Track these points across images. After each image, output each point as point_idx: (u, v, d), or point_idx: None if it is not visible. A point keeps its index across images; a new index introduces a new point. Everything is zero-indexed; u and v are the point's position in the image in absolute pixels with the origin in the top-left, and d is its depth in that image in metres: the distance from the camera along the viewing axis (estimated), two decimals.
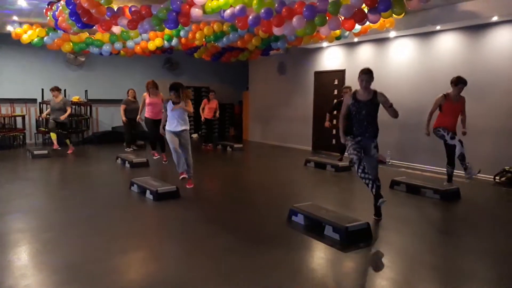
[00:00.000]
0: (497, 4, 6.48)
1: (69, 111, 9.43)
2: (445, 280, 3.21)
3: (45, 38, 8.37)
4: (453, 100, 5.92)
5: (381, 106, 4.60)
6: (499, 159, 6.94)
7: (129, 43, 8.50)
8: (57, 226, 4.39)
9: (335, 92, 10.14)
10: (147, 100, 8.16)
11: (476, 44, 7.30)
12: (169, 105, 5.92)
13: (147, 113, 8.17)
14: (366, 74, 4.51)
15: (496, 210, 5.38)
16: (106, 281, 3.10)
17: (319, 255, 3.71)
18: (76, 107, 11.75)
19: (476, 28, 7.23)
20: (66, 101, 9.66)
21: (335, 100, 9.01)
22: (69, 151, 9.56)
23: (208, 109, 10.51)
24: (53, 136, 9.42)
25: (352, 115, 4.64)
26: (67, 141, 9.62)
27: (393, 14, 5.41)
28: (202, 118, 10.72)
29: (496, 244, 4.02)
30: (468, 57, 7.42)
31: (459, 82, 5.86)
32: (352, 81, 9.78)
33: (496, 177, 6.83)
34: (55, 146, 9.43)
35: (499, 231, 4.43)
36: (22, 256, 3.56)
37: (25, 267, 3.32)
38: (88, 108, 11.97)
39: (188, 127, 6.05)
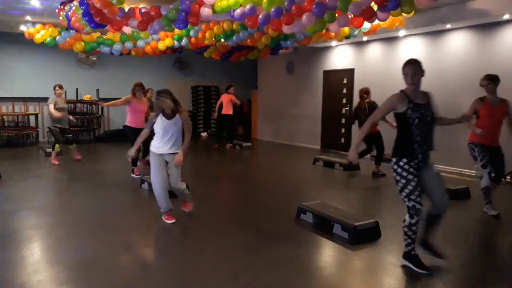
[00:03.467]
0: (508, 2, 6.39)
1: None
2: (455, 279, 3.20)
3: (57, 38, 8.49)
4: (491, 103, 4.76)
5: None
6: (509, 158, 6.84)
7: (140, 43, 8.59)
8: (69, 223, 4.47)
9: (344, 91, 10.10)
10: (133, 106, 6.79)
11: (487, 42, 7.22)
12: (161, 120, 4.36)
13: (130, 121, 6.91)
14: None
15: (506, 209, 5.33)
16: (116, 276, 3.16)
17: (328, 253, 3.73)
18: (88, 105, 11.90)
19: (487, 26, 7.15)
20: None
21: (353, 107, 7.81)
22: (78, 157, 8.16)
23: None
24: (58, 147, 8.07)
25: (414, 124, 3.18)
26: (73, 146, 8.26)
27: (403, 13, 5.40)
28: (215, 116, 10.58)
29: (507, 244, 3.99)
30: (478, 56, 7.35)
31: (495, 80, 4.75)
32: (361, 80, 9.75)
33: (507, 177, 6.76)
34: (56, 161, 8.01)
35: (509, 231, 4.39)
36: (35, 252, 3.64)
37: (38, 263, 3.39)
38: (100, 106, 12.10)
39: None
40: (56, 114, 7.55)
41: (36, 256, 3.54)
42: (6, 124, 10.77)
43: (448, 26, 7.54)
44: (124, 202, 5.41)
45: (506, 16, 6.65)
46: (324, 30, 6.50)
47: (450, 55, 7.78)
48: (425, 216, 3.32)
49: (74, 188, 6.17)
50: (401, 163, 3.19)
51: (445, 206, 3.26)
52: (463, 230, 4.44)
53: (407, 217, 3.22)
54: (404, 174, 3.16)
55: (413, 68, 3.23)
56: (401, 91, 3.29)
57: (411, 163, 3.17)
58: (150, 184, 5.84)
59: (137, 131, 5.54)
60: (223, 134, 10.82)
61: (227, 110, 10.18)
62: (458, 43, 7.65)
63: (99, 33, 8.66)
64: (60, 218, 4.63)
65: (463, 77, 7.50)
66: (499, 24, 6.99)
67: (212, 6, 5.93)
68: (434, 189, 3.24)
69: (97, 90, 12.12)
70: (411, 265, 3.32)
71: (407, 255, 3.36)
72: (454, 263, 3.50)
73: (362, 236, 3.95)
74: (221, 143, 10.61)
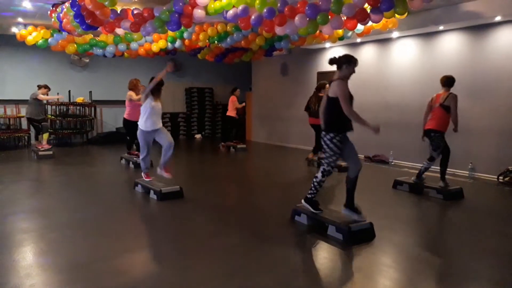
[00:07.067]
0: (500, 4, 6.46)
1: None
2: (448, 280, 3.21)
3: (49, 40, 8.42)
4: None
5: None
6: (502, 159, 6.92)
7: (133, 45, 8.55)
8: (62, 226, 4.42)
9: None
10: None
11: (479, 44, 7.28)
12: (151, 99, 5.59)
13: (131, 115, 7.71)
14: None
15: (499, 210, 5.36)
16: (110, 281, 3.12)
17: (322, 255, 3.72)
18: (81, 108, 11.82)
19: (479, 28, 7.21)
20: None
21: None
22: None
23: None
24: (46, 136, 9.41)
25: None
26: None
27: (396, 14, 5.43)
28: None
29: (499, 244, 4.01)
30: (471, 57, 7.40)
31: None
32: (355, 81, 9.76)
33: (500, 177, 6.81)
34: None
35: (503, 231, 4.41)
36: (27, 256, 3.59)
37: (30, 267, 3.35)
38: (93, 109, 12.03)
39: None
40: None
41: (28, 260, 3.49)
42: None
43: (441, 27, 7.59)
44: (117, 204, 5.37)
45: (498, 18, 6.71)
46: (317, 32, 6.52)
47: (443, 56, 7.83)
48: (346, 182, 4.17)
49: (66, 191, 6.12)
50: (336, 138, 4.00)
51: (359, 169, 4.10)
52: (454, 230, 4.46)
53: (320, 175, 4.17)
54: (335, 147, 4.01)
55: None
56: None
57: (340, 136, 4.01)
58: (143, 187, 5.86)
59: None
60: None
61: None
62: (451, 44, 7.70)
63: (92, 35, 8.61)
64: (53, 222, 4.58)
65: (456, 77, 7.54)
66: (491, 25, 7.05)
67: (205, 8, 5.92)
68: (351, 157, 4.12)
69: (90, 92, 12.06)
70: (310, 208, 4.31)
71: (309, 200, 4.31)
72: (449, 264, 3.51)
73: (357, 238, 3.95)
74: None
